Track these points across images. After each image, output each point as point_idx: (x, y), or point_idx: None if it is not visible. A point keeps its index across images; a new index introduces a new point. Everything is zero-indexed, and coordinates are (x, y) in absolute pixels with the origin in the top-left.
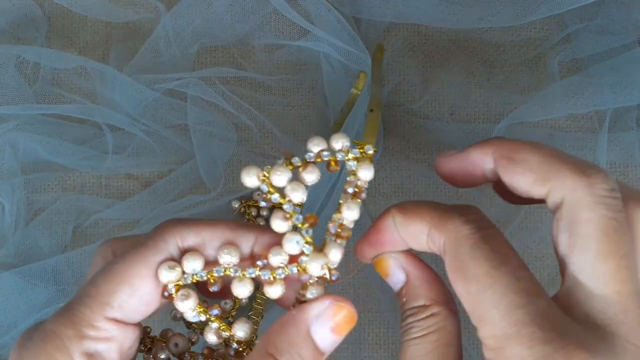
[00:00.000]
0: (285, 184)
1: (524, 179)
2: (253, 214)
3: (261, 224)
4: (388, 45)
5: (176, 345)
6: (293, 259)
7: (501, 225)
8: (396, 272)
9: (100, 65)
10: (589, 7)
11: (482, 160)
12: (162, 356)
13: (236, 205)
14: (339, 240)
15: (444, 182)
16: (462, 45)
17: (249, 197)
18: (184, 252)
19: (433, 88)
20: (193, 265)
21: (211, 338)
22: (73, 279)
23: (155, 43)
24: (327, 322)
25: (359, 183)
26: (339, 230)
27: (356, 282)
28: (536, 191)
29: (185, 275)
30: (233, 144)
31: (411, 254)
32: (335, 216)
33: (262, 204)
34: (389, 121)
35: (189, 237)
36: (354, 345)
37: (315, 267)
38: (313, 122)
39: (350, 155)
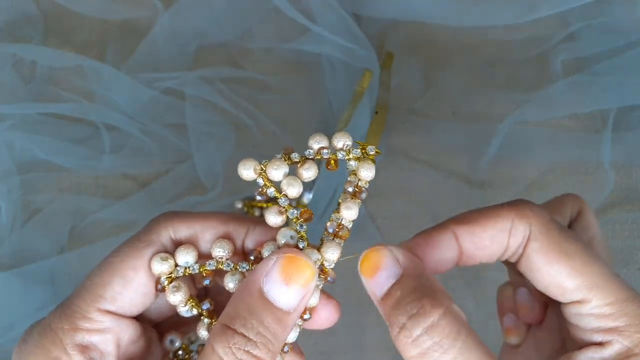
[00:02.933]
0: (281, 178)
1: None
2: (256, 214)
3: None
4: (389, 43)
5: (172, 342)
6: None
7: None
8: (391, 266)
9: (98, 63)
10: (593, 6)
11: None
12: None
13: (239, 205)
14: (336, 240)
15: (445, 182)
16: (464, 44)
17: (252, 198)
18: (177, 244)
19: (435, 87)
20: (186, 258)
21: (203, 333)
22: (70, 280)
23: (153, 41)
24: (277, 277)
25: (359, 183)
26: (337, 229)
27: (357, 285)
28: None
29: (178, 268)
30: (231, 144)
31: (405, 245)
32: (334, 215)
33: (258, 197)
34: (390, 120)
35: (182, 229)
36: (356, 349)
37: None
38: (313, 120)
39: (352, 155)
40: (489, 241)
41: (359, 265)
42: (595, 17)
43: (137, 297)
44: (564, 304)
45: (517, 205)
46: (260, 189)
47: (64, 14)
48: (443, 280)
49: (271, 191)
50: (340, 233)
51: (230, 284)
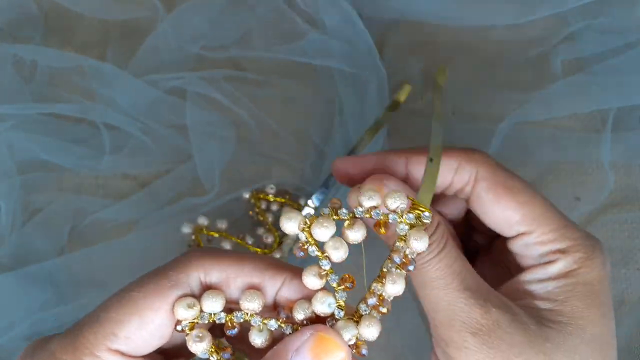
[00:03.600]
0: (327, 239)
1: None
2: (263, 207)
3: (269, 219)
4: (390, 43)
5: None
6: (320, 319)
7: None
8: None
9: (99, 63)
10: (592, 6)
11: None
12: None
13: (247, 195)
14: (374, 313)
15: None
16: (464, 44)
17: (260, 189)
18: (206, 287)
19: (435, 87)
20: (213, 306)
21: None
22: (70, 281)
23: (154, 45)
24: (307, 354)
25: (407, 252)
26: (377, 303)
27: (358, 284)
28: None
29: (203, 314)
30: (232, 144)
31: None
32: (375, 286)
33: (299, 254)
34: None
35: (213, 273)
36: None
37: (345, 337)
38: (314, 121)
39: (404, 218)
40: None
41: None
42: (595, 17)
43: (152, 338)
44: (510, 238)
45: (468, 151)
46: (301, 244)
47: (64, 14)
48: None
49: (313, 249)
50: (381, 308)
51: (257, 340)
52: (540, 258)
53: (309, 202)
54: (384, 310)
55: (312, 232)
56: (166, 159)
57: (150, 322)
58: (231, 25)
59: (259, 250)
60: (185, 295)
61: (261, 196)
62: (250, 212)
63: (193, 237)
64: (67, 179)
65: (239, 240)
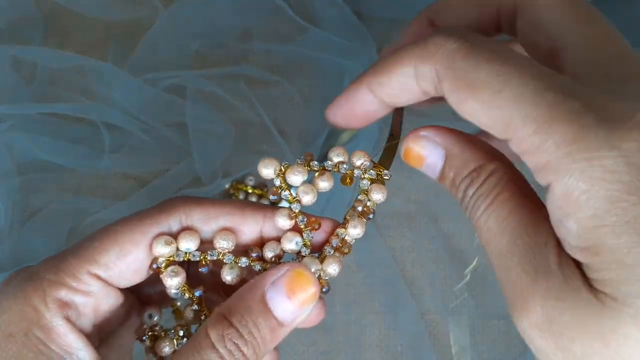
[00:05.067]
0: (299, 184)
1: None
2: (241, 197)
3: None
4: (390, 42)
5: (150, 316)
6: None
7: None
8: (433, 151)
9: (98, 62)
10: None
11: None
12: (165, 349)
13: (227, 185)
14: (337, 254)
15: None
16: None
17: (240, 180)
18: (184, 229)
19: None
20: (188, 244)
21: (189, 315)
22: None
23: (153, 42)
24: (282, 288)
25: (368, 204)
26: (340, 244)
27: (357, 282)
28: None
29: (179, 252)
30: (231, 141)
31: (437, 126)
32: (339, 230)
33: (272, 197)
34: (390, 120)
35: (195, 214)
36: (355, 347)
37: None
38: (311, 118)
39: (367, 175)
40: (399, 89)
41: (402, 158)
42: None
43: (128, 271)
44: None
45: (420, 45)
46: (275, 189)
47: (65, 14)
48: (442, 279)
49: (286, 194)
50: (343, 249)
51: (228, 276)
52: (540, 179)
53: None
54: (346, 250)
55: (286, 178)
56: (166, 159)
57: (129, 254)
58: (230, 24)
59: None
60: (162, 234)
61: (240, 187)
62: None
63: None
64: (67, 179)
65: None
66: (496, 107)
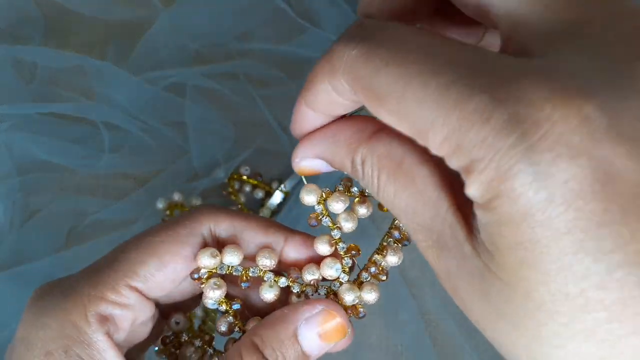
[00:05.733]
0: (340, 212)
1: None
2: (236, 187)
3: (242, 199)
4: None
5: (177, 323)
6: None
7: None
8: (317, 164)
9: (98, 62)
10: None
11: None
12: (193, 356)
13: (223, 174)
14: (374, 281)
15: None
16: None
17: (235, 171)
18: (216, 240)
19: None
20: (232, 259)
21: (223, 327)
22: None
23: (152, 42)
24: (315, 327)
25: (404, 230)
26: (378, 272)
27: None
28: None
29: (222, 265)
30: (230, 141)
31: (308, 136)
32: (377, 257)
33: (313, 224)
34: None
35: (223, 224)
36: (354, 346)
37: (349, 298)
38: None
39: None
40: (330, 104)
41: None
42: None
43: (166, 282)
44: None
45: (326, 57)
46: (315, 215)
47: (65, 14)
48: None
49: (326, 220)
50: (380, 276)
51: (267, 295)
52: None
53: (282, 187)
54: (384, 278)
55: (328, 206)
56: (165, 158)
57: (168, 265)
58: (230, 24)
59: None
60: (198, 245)
61: (235, 176)
62: (224, 192)
63: (167, 212)
64: (67, 179)
65: None
66: (403, 115)
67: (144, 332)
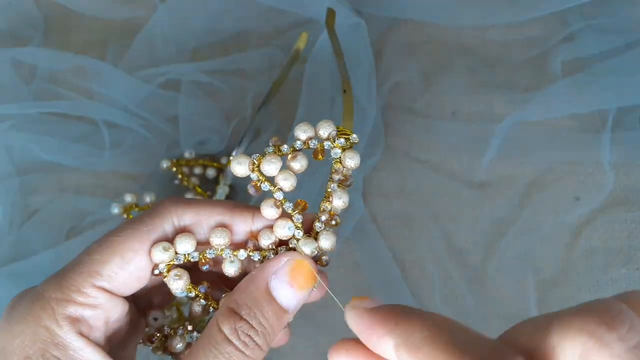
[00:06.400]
0: (276, 173)
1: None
2: (185, 172)
3: (195, 182)
4: (390, 42)
5: (155, 319)
6: (282, 242)
7: (504, 225)
8: None
9: (96, 61)
10: (592, 6)
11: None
12: (178, 345)
13: (165, 165)
14: (328, 228)
15: (445, 182)
16: (464, 44)
17: (180, 156)
18: (180, 231)
19: (434, 87)
20: (185, 247)
21: (197, 309)
22: None
23: (150, 39)
24: (285, 277)
25: (344, 171)
26: (329, 218)
27: (355, 281)
28: None
29: (178, 256)
30: (226, 138)
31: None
32: (324, 205)
33: (253, 192)
34: (390, 120)
35: (186, 216)
36: None
37: (308, 250)
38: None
39: (336, 144)
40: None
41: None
42: (595, 17)
43: (131, 279)
44: None
45: None
46: (254, 183)
47: (64, 14)
48: (442, 279)
49: (265, 185)
50: (332, 222)
51: (230, 270)
52: None
53: (232, 157)
54: (333, 222)
55: (262, 169)
56: (165, 156)
57: (131, 262)
58: (228, 23)
59: None
60: (160, 239)
61: (181, 162)
62: (176, 181)
63: (124, 216)
64: (67, 179)
65: None
66: None
67: (123, 327)
